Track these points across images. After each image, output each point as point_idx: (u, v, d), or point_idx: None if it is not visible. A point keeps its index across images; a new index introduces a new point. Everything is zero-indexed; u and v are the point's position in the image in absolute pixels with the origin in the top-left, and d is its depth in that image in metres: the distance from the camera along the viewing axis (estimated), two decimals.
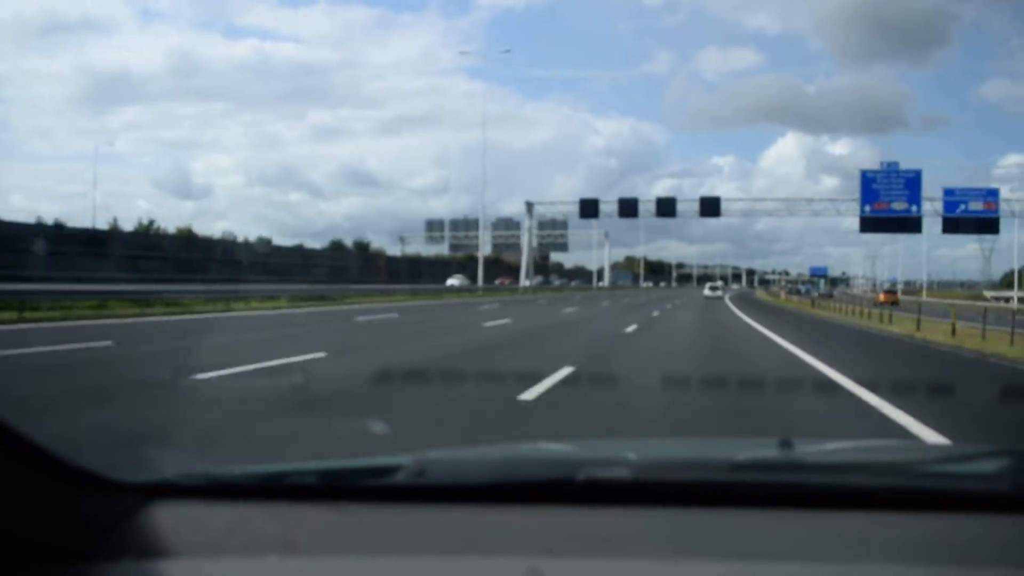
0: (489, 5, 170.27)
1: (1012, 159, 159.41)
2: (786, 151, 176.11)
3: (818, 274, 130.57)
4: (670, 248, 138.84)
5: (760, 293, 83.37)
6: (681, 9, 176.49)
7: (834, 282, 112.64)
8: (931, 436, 5.05)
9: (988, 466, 1.52)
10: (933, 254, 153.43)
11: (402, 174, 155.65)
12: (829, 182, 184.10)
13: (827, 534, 1.07)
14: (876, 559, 1.00)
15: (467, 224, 66.30)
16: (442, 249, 70.19)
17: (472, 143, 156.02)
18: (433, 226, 69.21)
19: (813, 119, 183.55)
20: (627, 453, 1.54)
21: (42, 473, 0.99)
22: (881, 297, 43.67)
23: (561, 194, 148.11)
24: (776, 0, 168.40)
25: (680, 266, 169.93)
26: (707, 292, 55.31)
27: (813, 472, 1.39)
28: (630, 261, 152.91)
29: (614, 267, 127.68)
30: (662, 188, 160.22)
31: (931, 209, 42.51)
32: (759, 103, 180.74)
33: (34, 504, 0.97)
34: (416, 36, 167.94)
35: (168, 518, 1.09)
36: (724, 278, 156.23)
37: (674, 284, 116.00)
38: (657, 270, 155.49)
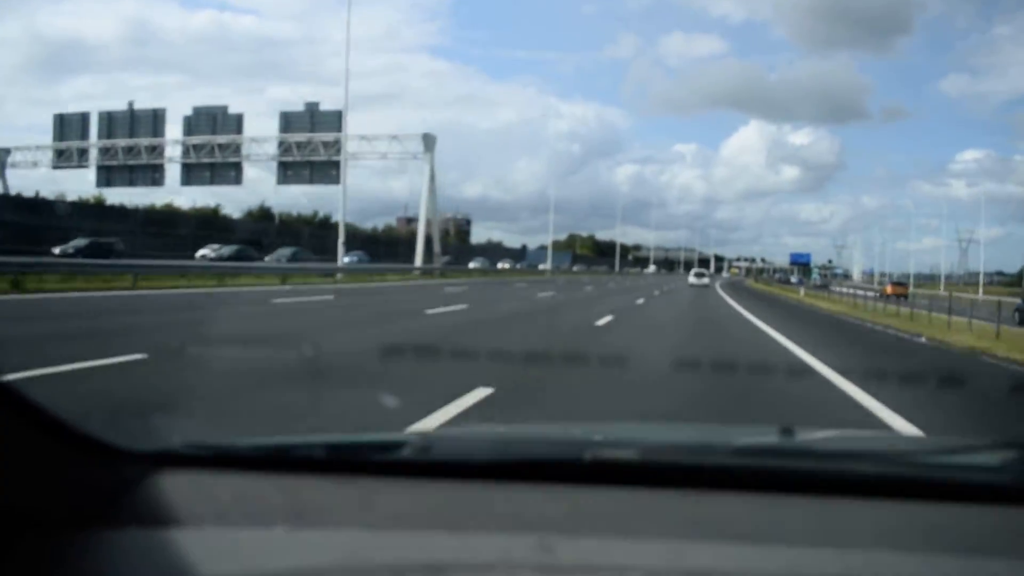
0: None
1: (969, 155, 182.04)
2: (748, 140, 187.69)
3: (799, 262, 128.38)
4: (630, 233, 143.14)
5: (752, 282, 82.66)
6: None
7: (825, 273, 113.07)
8: None
9: (992, 458, 1.62)
10: (902, 248, 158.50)
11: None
12: (790, 172, 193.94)
13: (830, 520, 1.14)
14: (878, 546, 1.07)
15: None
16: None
17: (433, 123, 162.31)
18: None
19: (775, 107, 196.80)
20: (634, 435, 1.69)
21: (50, 439, 1.04)
22: (888, 289, 43.22)
23: (524, 179, 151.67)
24: None
25: (636, 248, 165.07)
26: (692, 280, 55.16)
27: (817, 459, 1.48)
28: (573, 239, 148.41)
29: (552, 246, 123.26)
30: (624, 175, 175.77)
31: None
32: (722, 90, 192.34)
33: (41, 471, 1.03)
34: (379, 12, 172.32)
35: (175, 487, 1.14)
36: (687, 263, 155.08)
37: (623, 269, 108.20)
38: (607, 252, 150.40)
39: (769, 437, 1.66)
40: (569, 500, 1.16)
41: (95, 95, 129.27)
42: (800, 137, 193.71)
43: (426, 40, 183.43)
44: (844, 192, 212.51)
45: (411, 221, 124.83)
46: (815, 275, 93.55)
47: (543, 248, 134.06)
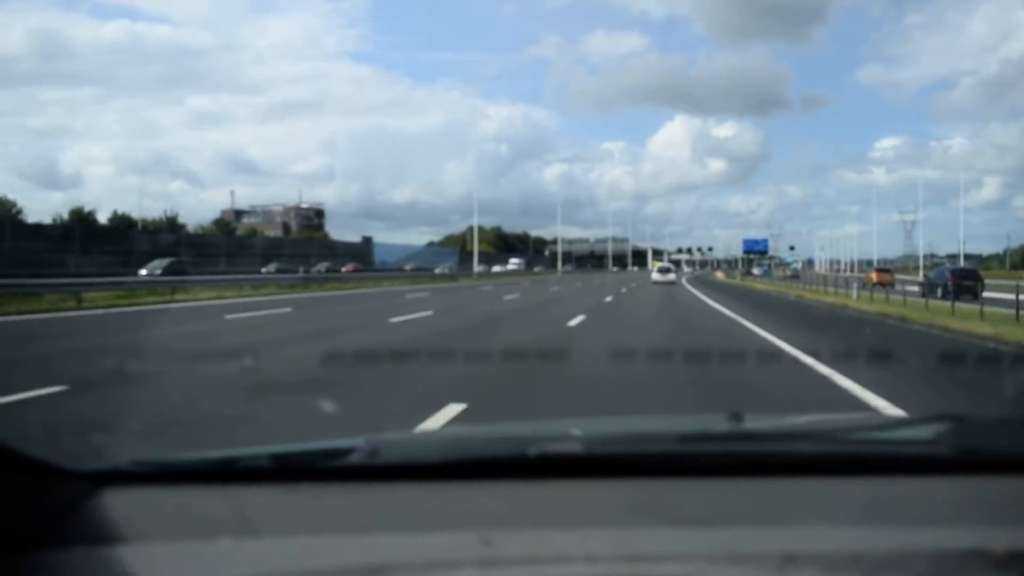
0: None
1: (888, 142, 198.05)
2: (674, 135, 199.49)
3: (755, 250, 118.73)
4: (564, 232, 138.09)
5: (721, 276, 79.04)
6: None
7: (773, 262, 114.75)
8: None
9: (927, 431, 1.72)
10: (826, 236, 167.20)
11: (287, 161, 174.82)
12: (716, 165, 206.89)
13: (775, 500, 1.24)
14: (823, 522, 1.16)
15: None
16: None
17: (359, 129, 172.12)
18: None
19: (699, 101, 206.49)
20: (581, 429, 1.72)
21: None
22: (874, 277, 42.99)
23: (452, 181, 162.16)
24: None
25: (555, 242, 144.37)
26: (655, 276, 49.21)
27: (760, 441, 1.59)
28: (471, 230, 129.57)
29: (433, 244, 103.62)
30: (553, 174, 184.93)
31: None
32: (646, 86, 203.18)
33: None
34: (297, 19, 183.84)
35: (120, 505, 1.20)
36: (618, 258, 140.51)
37: (515, 265, 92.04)
38: (515, 246, 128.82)
39: (715, 424, 1.73)
40: (514, 495, 1.24)
41: (5, 111, 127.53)
42: (724, 130, 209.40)
43: (348, 46, 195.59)
44: (769, 183, 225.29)
45: (241, 215, 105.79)
46: (795, 265, 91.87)
47: (432, 244, 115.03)
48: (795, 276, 63.89)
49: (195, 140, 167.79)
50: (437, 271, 63.07)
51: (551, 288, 37.10)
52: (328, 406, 6.22)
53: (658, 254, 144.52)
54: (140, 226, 59.49)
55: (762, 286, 45.00)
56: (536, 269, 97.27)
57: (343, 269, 53.10)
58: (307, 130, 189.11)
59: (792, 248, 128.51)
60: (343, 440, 1.43)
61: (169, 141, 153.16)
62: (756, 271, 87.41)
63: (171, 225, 62.25)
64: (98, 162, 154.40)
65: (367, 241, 76.41)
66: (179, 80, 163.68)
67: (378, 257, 74.10)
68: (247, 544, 1.10)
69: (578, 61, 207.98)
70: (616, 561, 1.03)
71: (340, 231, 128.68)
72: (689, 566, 1.03)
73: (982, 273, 35.11)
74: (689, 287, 39.37)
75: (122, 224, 60.00)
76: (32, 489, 1.14)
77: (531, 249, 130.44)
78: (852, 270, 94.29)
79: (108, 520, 1.15)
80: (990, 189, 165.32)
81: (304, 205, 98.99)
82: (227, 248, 52.74)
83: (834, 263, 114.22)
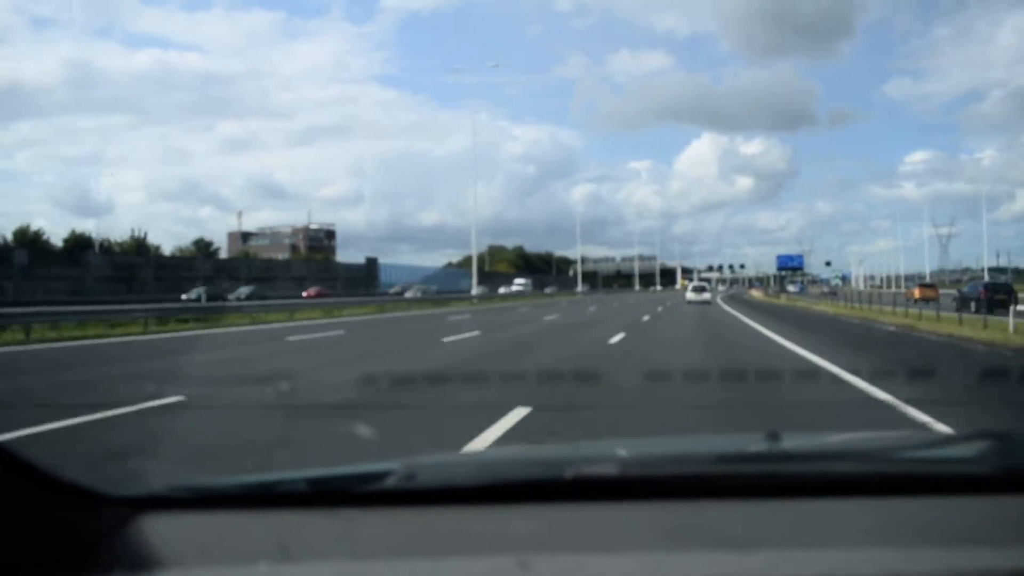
0: (395, 7, 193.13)
1: (917, 156, 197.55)
2: (701, 152, 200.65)
3: (790, 266, 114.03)
4: (591, 252, 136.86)
5: (758, 294, 72.97)
6: (591, 12, 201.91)
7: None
8: None
9: (969, 450, 1.70)
10: (870, 249, 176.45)
11: (315, 185, 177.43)
12: (743, 182, 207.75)
13: (815, 521, 1.23)
14: (860, 543, 1.14)
15: None
16: None
17: (387, 152, 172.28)
18: None
19: (726, 118, 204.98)
20: (616, 451, 1.73)
21: (31, 488, 1.10)
22: (916, 293, 42.84)
23: (480, 202, 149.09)
24: (683, 1, 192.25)
25: (582, 262, 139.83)
26: (690, 296, 46.18)
27: (799, 462, 1.54)
28: (494, 251, 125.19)
29: (450, 266, 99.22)
30: (580, 194, 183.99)
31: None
32: (673, 104, 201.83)
33: (22, 519, 1.09)
34: (324, 43, 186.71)
35: (157, 530, 1.21)
36: (645, 277, 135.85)
37: (521, 287, 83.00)
38: (538, 267, 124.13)
39: (753, 444, 1.72)
40: (550, 518, 1.23)
41: (39, 140, 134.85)
42: (752, 147, 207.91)
43: (375, 70, 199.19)
44: (798, 199, 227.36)
45: (249, 237, 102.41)
46: (833, 280, 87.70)
47: (450, 265, 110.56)
48: (833, 293, 61.17)
49: (225, 166, 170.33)
50: (408, 295, 53.90)
51: (546, 318, 28.28)
52: None
53: (687, 272, 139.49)
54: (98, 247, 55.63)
55: (807, 305, 40.91)
56: (548, 290, 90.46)
57: (304, 294, 47.66)
58: (335, 154, 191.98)
59: (829, 264, 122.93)
60: (379, 464, 1.43)
61: (199, 167, 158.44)
62: (791, 288, 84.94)
63: (138, 247, 57.94)
64: (130, 189, 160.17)
65: (372, 262, 72.12)
66: (209, 107, 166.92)
67: (386, 278, 70.02)
68: (284, 569, 1.11)
69: (603, 80, 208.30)
70: None
71: (366, 254, 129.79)
72: None
73: (1016, 287, 35.39)
74: (738, 313, 30.80)
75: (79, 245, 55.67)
76: (72, 514, 1.15)
77: (555, 269, 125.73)
78: (891, 286, 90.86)
79: (146, 545, 1.17)
80: (1023, 201, 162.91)
81: (314, 226, 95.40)
82: (202, 271, 48.33)
83: (868, 279, 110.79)
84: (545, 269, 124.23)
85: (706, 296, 46.04)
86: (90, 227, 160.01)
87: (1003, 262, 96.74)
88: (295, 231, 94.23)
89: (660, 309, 35.86)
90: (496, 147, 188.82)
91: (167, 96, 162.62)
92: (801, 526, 1.20)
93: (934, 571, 1.04)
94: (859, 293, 48.71)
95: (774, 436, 1.61)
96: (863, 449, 1.76)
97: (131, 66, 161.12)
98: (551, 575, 1.06)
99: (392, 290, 59.92)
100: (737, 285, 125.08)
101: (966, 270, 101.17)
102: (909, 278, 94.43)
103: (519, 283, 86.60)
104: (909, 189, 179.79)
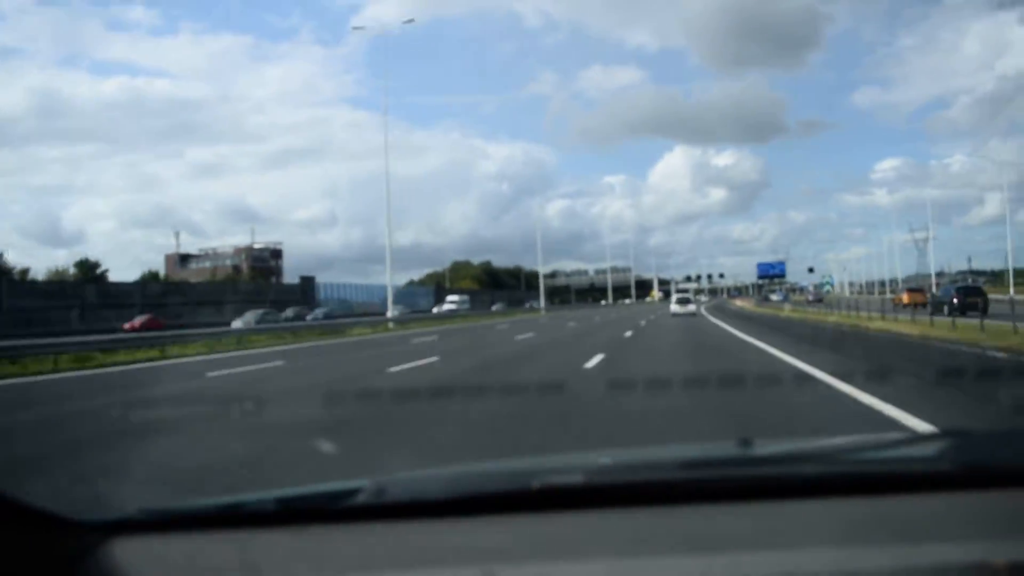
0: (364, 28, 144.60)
1: (888, 163, 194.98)
2: (674, 165, 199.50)
3: (771, 274, 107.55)
4: (567, 267, 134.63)
5: (745, 304, 68.14)
6: (561, 29, 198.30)
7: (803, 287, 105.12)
8: None
9: (931, 448, 1.76)
10: (844, 256, 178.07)
11: (289, 209, 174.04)
12: (717, 194, 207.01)
13: (780, 523, 1.23)
14: (826, 543, 1.16)
15: None
16: None
17: (360, 174, 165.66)
18: None
19: (698, 131, 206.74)
20: (584, 462, 1.78)
21: (2, 518, 1.13)
22: (905, 298, 42.47)
23: (455, 222, 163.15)
24: (652, 17, 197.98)
25: (552, 275, 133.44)
26: (674, 308, 43.72)
27: (764, 465, 1.58)
28: (458, 266, 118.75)
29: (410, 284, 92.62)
30: (555, 210, 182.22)
31: None
32: (645, 118, 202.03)
33: None
34: (294, 66, 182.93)
35: (127, 554, 1.21)
36: (623, 289, 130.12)
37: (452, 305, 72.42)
38: (504, 283, 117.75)
39: (721, 450, 1.79)
40: (518, 529, 1.24)
41: (6, 170, 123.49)
42: (724, 158, 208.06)
43: (346, 92, 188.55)
44: (772, 209, 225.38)
45: (188, 259, 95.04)
46: (820, 288, 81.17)
47: (412, 283, 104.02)
48: (819, 300, 58.70)
49: (197, 191, 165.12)
50: (309, 318, 46.61)
51: (417, 363, 15.44)
52: None
53: (664, 284, 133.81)
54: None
55: (801, 315, 35.59)
56: (496, 307, 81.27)
57: (126, 325, 38.40)
58: (307, 177, 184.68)
59: (811, 270, 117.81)
60: (350, 481, 1.42)
61: (171, 194, 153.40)
62: (774, 297, 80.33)
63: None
64: (101, 217, 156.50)
65: (307, 281, 65.34)
66: (179, 132, 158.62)
67: (328, 296, 63.30)
68: None
69: (576, 96, 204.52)
70: None
71: (343, 276, 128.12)
72: None
73: (986, 290, 36.28)
74: (747, 336, 21.63)
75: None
76: (42, 541, 1.16)
77: (524, 284, 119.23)
78: (875, 291, 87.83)
79: (116, 570, 1.16)
80: (993, 205, 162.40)
81: (259, 245, 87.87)
82: (85, 299, 41.35)
83: (849, 285, 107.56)
84: (514, 284, 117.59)
85: (691, 308, 43.50)
86: (61, 257, 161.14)
87: (975, 265, 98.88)
88: (237, 251, 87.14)
89: (628, 334, 24.38)
90: (470, 165, 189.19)
91: (136, 123, 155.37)
92: (766, 528, 1.21)
93: (895, 567, 1.05)
94: (847, 300, 46.42)
95: (746, 442, 1.61)
96: (826, 451, 1.77)
97: (99, 94, 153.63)
98: None
99: (287, 313, 48.69)
100: (717, 295, 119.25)
101: (940, 274, 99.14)
102: (887, 283, 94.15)
103: (452, 300, 75.60)
104: (881, 196, 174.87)
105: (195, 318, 41.93)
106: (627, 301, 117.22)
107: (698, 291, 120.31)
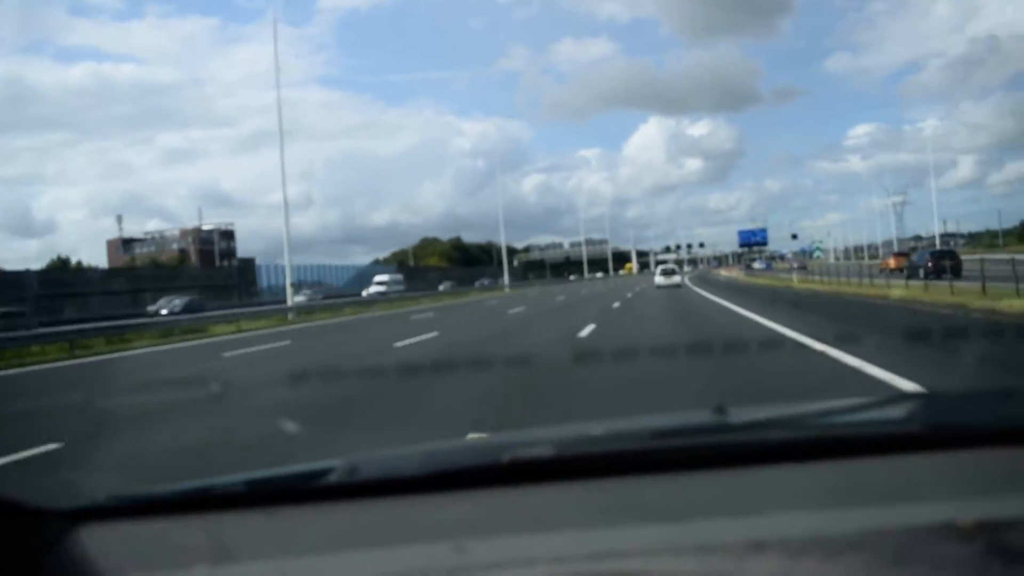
0: (332, 7, 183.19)
1: (861, 129, 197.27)
2: (649, 137, 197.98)
3: (752, 242, 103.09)
4: (545, 242, 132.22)
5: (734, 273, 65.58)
6: (533, 2, 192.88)
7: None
8: None
9: (899, 410, 1.76)
10: (820, 223, 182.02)
11: (263, 192, 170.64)
12: (693, 164, 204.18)
13: (749, 489, 1.23)
14: (793, 508, 1.16)
15: None
16: None
17: (333, 154, 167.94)
18: None
19: (672, 102, 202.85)
20: (556, 434, 1.72)
21: None
22: (892, 263, 42.64)
23: (431, 200, 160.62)
24: None
25: (526, 250, 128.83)
26: (659, 280, 43.83)
27: (732, 432, 1.56)
28: (426, 243, 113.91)
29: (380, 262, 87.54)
30: (531, 184, 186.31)
31: None
32: (619, 90, 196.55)
33: None
34: (263, 48, 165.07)
35: (95, 541, 1.21)
36: (600, 262, 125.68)
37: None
38: (478, 259, 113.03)
39: (692, 419, 1.76)
40: (488, 503, 1.25)
41: None
42: (699, 128, 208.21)
43: (316, 72, 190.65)
44: (747, 178, 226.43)
45: (131, 243, 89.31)
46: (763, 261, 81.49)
47: (377, 262, 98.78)
48: (803, 267, 56.16)
49: (168, 177, 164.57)
50: (164, 311, 37.48)
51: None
52: None
53: (642, 255, 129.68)
54: None
55: (806, 284, 33.42)
56: (443, 287, 69.85)
57: None
58: (280, 159, 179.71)
59: (795, 237, 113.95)
60: (322, 461, 1.43)
61: (142, 180, 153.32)
62: (757, 265, 75.50)
63: None
64: (72, 207, 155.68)
65: (247, 264, 60.35)
66: (149, 118, 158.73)
67: (273, 282, 58.11)
68: (223, 570, 1.11)
69: (548, 70, 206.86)
70: (583, 560, 1.06)
71: (320, 258, 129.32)
72: (655, 560, 1.05)
73: (959, 253, 37.49)
74: (756, 315, 17.33)
75: None
76: (11, 531, 1.16)
77: (495, 260, 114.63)
78: (852, 257, 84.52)
79: (85, 557, 1.17)
80: (966, 168, 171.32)
81: (207, 227, 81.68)
82: None
83: (832, 251, 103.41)
84: (486, 260, 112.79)
85: (676, 279, 44.07)
86: (32, 248, 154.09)
87: (951, 228, 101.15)
88: (184, 233, 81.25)
89: (587, 330, 16.53)
90: (444, 143, 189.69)
91: (104, 109, 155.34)
92: (732, 495, 1.21)
93: (859, 529, 1.06)
94: (831, 267, 44.75)
95: (720, 410, 1.61)
96: (799, 416, 1.77)
97: (65, 81, 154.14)
98: (486, 557, 1.08)
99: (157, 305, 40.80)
100: (697, 265, 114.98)
101: (919, 238, 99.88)
102: (863, 248, 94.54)
103: (381, 280, 63.90)
104: (855, 162, 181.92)
105: (89, 311, 36.94)
106: (599, 275, 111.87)
107: (678, 261, 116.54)
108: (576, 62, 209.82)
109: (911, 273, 29.70)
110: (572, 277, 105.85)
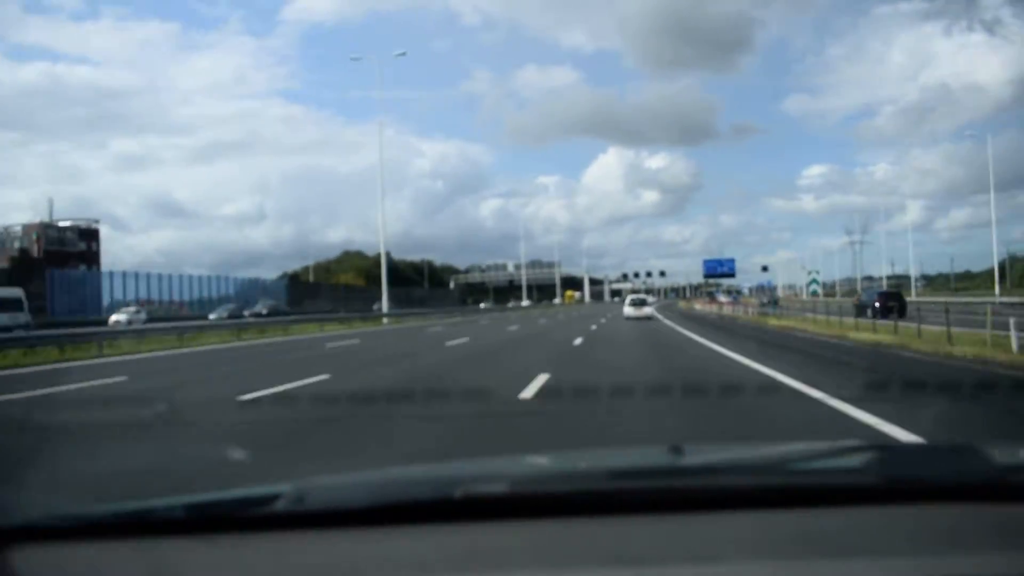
0: (296, 20, 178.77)
1: (815, 169, 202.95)
2: (608, 167, 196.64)
3: (718, 272, 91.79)
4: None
5: (710, 306, 58.47)
6: (498, 27, 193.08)
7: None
8: None
9: (855, 460, 1.75)
10: (771, 260, 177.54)
11: (217, 203, 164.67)
12: (650, 196, 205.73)
13: (705, 535, 1.23)
14: (750, 556, 1.16)
15: None
16: None
17: (291, 169, 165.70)
18: None
19: (631, 133, 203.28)
20: (511, 468, 1.74)
21: None
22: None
23: (389, 220, 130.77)
24: (589, 18, 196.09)
25: (466, 271, 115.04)
26: (628, 311, 39.05)
27: (690, 476, 1.56)
28: (345, 258, 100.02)
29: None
30: (489, 209, 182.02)
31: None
32: (580, 119, 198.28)
33: None
34: (224, 57, 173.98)
35: (27, 563, 1.17)
36: (548, 288, 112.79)
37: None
38: (410, 278, 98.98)
39: (651, 458, 1.76)
40: (440, 539, 1.22)
41: None
42: (657, 160, 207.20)
43: (278, 85, 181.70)
44: (703, 212, 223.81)
45: None
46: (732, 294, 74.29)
47: (284, 276, 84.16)
48: (774, 302, 52.59)
49: (120, 184, 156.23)
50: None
51: None
52: None
53: (596, 283, 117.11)
54: None
55: (815, 326, 27.28)
56: (265, 310, 47.04)
57: None
58: (237, 171, 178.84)
59: (765, 269, 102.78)
60: (268, 487, 1.37)
61: (93, 186, 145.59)
62: (723, 298, 70.49)
63: None
64: (18, 209, 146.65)
65: (91, 272, 45.72)
66: (103, 122, 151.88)
67: (119, 296, 43.73)
68: None
69: (511, 95, 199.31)
70: None
71: (271, 272, 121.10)
72: None
73: (904, 295, 40.80)
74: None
75: None
76: None
77: (428, 280, 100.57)
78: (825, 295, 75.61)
79: None
80: (914, 212, 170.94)
81: (64, 223, 66.26)
82: None
83: (786, 288, 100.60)
84: (416, 280, 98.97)
85: (647, 311, 39.05)
86: None
87: (899, 270, 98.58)
88: (28, 229, 65.77)
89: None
90: (404, 163, 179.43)
91: (57, 111, 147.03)
92: (691, 540, 1.20)
93: None
94: (805, 304, 42.84)
95: (676, 449, 1.57)
96: (756, 461, 1.75)
97: (16, 79, 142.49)
98: None
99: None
100: (658, 297, 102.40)
101: (871, 279, 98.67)
102: (825, 286, 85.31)
103: (127, 311, 40.97)
104: (808, 202, 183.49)
105: None
106: (524, 303, 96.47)
107: (634, 291, 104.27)
108: (538, 89, 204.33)
109: (859, 312, 30.10)
110: (483, 305, 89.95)
